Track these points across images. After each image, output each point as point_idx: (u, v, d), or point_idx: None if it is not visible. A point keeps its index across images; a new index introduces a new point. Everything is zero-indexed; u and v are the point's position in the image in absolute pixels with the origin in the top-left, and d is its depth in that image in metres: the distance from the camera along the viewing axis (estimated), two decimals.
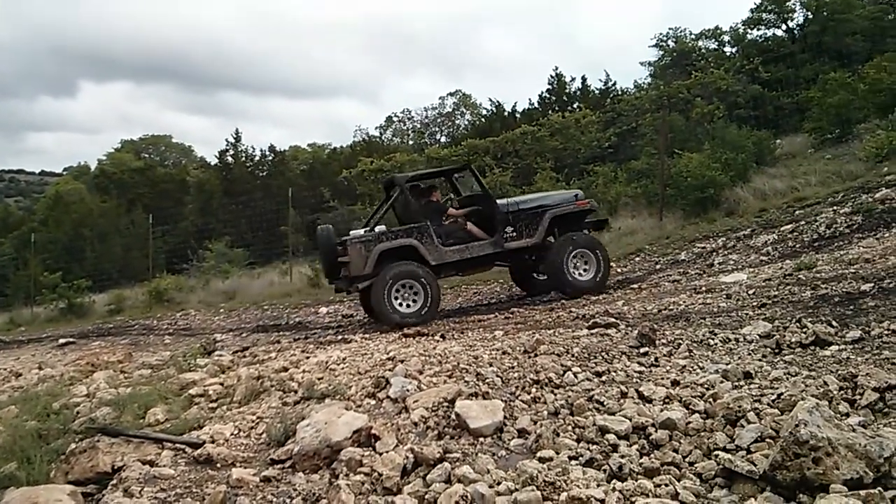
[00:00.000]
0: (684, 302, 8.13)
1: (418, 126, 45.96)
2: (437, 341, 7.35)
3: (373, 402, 5.27)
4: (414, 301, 9.50)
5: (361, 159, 26.09)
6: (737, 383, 4.76)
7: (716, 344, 5.81)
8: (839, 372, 4.43)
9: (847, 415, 3.97)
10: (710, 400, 4.43)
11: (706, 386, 4.72)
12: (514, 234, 10.15)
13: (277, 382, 6.23)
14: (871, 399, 4.02)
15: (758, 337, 5.73)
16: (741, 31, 30.04)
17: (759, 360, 5.17)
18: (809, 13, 28.15)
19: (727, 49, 30.88)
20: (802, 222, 10.87)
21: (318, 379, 6.03)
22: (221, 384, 6.76)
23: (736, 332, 6.04)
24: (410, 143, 42.24)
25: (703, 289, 8.67)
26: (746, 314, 6.72)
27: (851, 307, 6.06)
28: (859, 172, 13.21)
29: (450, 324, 9.27)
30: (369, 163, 24.78)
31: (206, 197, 34.11)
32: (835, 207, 10.97)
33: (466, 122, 43.09)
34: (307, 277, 17.73)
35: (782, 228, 10.98)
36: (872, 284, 6.59)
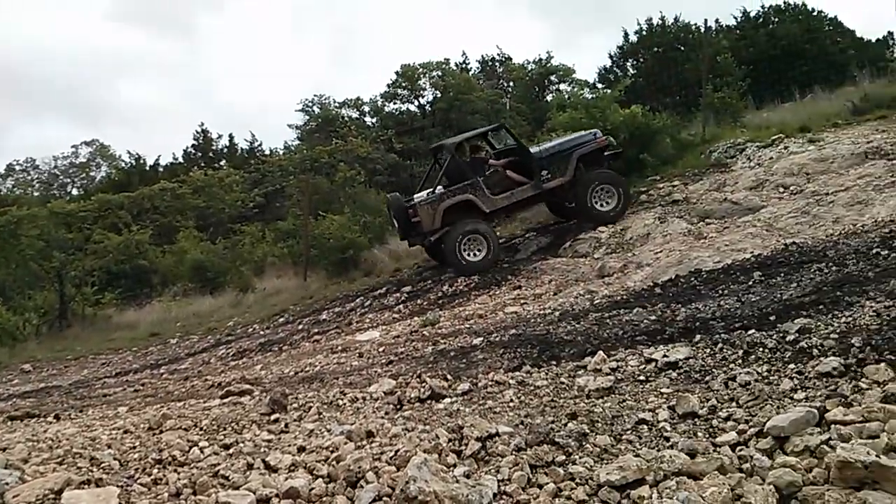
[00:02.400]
0: (321, 362, 8.23)
1: (45, 176, 41.20)
2: (50, 423, 6.41)
3: None
4: (479, 251, 11.44)
5: None
6: (360, 443, 4.81)
7: (345, 404, 5.90)
8: (449, 424, 4.73)
9: (454, 465, 4.24)
10: (334, 463, 4.41)
11: (331, 449, 4.70)
12: (549, 175, 11.90)
13: None
14: (475, 448, 4.34)
15: (383, 394, 5.93)
16: (380, 103, 32.38)
17: (382, 417, 5.34)
18: (438, 92, 31.41)
19: (368, 119, 32.96)
20: (430, 282, 11.79)
21: None
22: None
23: (364, 390, 6.20)
24: (36, 194, 37.63)
25: (340, 348, 8.88)
26: (375, 372, 6.98)
27: (464, 360, 6.61)
28: None
29: (70, 400, 8.22)
30: None
31: None
32: None
33: (104, 174, 39.77)
34: None
35: (411, 287, 11.78)
36: (482, 338, 7.30)
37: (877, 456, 3.22)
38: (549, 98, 31.11)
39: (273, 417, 5.63)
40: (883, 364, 4.31)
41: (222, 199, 23.26)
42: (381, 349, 8.05)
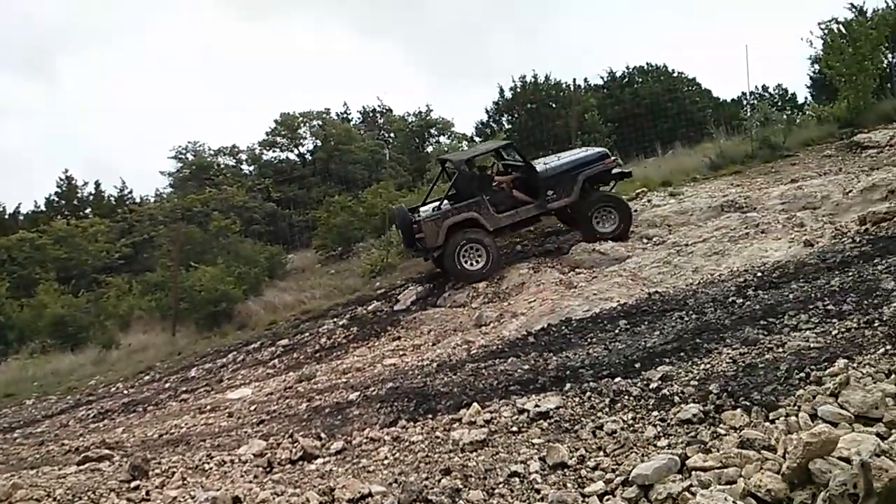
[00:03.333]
0: (187, 423, 7.83)
1: None
2: None
3: None
4: (479, 260, 11.58)
5: None
6: None
7: (211, 468, 5.61)
8: (320, 486, 4.57)
9: None
10: None
11: None
12: (554, 195, 11.87)
13: None
14: None
15: (252, 456, 5.68)
16: (257, 151, 31.84)
17: (251, 481, 5.11)
18: (318, 141, 31.29)
19: (245, 167, 32.29)
20: (307, 334, 11.53)
21: None
22: None
23: (233, 452, 5.93)
24: None
25: (209, 407, 8.49)
26: (246, 432, 6.69)
27: (339, 417, 6.45)
28: (357, 286, 14.66)
29: None
30: None
31: None
32: (335, 319, 11.90)
33: None
34: None
35: (288, 341, 11.48)
36: (359, 393, 7.17)
37: (734, 502, 3.35)
38: (429, 150, 31.65)
39: (133, 485, 5.28)
40: (739, 410, 4.53)
41: (86, 250, 22.01)
42: (252, 408, 7.74)
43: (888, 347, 4.90)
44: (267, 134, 31.39)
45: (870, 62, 14.94)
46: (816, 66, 21.21)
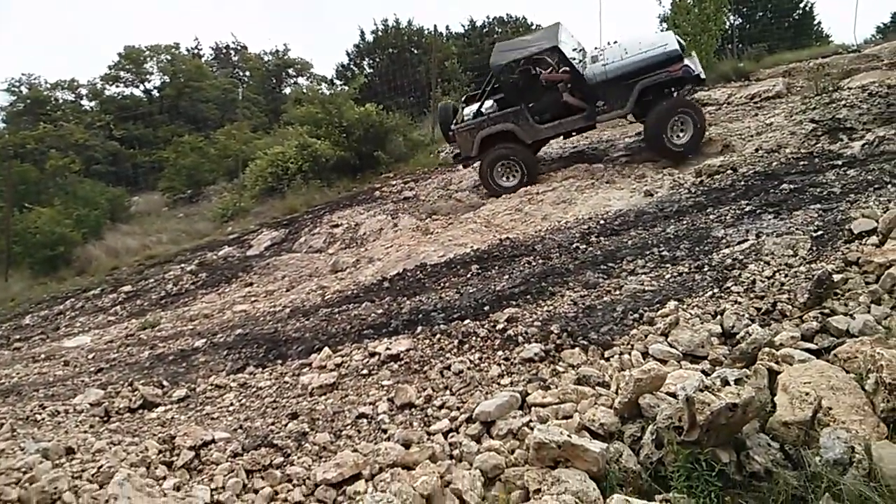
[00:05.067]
0: (19, 373, 7.30)
1: None
2: None
3: None
4: (514, 175, 10.88)
5: None
6: (58, 461, 4.32)
7: (44, 419, 5.26)
8: (160, 435, 4.40)
9: (164, 478, 3.95)
10: (27, 485, 3.90)
11: (24, 470, 4.15)
12: (605, 106, 10.48)
13: None
14: (188, 458, 4.08)
15: (88, 406, 5.38)
16: (99, 86, 29.62)
17: (86, 431, 4.84)
18: (166, 77, 29.46)
19: (85, 103, 29.99)
20: (152, 280, 10.98)
21: None
22: None
23: (68, 402, 5.57)
24: None
25: (43, 356, 7.94)
26: (82, 381, 6.32)
27: (184, 364, 6.22)
28: (207, 231, 14.09)
29: None
30: None
31: None
32: (183, 265, 11.39)
33: None
34: None
35: (131, 287, 10.89)
36: (206, 340, 6.92)
37: (568, 435, 3.53)
38: (286, 91, 30.62)
39: None
40: (577, 349, 4.77)
41: None
42: (90, 356, 7.31)
43: (715, 291, 5.28)
44: (110, 68, 29.25)
45: (713, 23, 15.77)
46: (664, 26, 22.23)
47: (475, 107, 11.23)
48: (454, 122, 11.36)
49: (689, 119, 10.19)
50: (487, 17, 32.00)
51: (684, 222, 7.31)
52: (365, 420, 4.32)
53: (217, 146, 19.35)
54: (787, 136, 9.68)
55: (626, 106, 10.42)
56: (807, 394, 3.53)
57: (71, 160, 19.96)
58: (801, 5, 28.61)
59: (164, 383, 5.64)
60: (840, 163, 7.93)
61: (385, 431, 4.15)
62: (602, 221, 8.16)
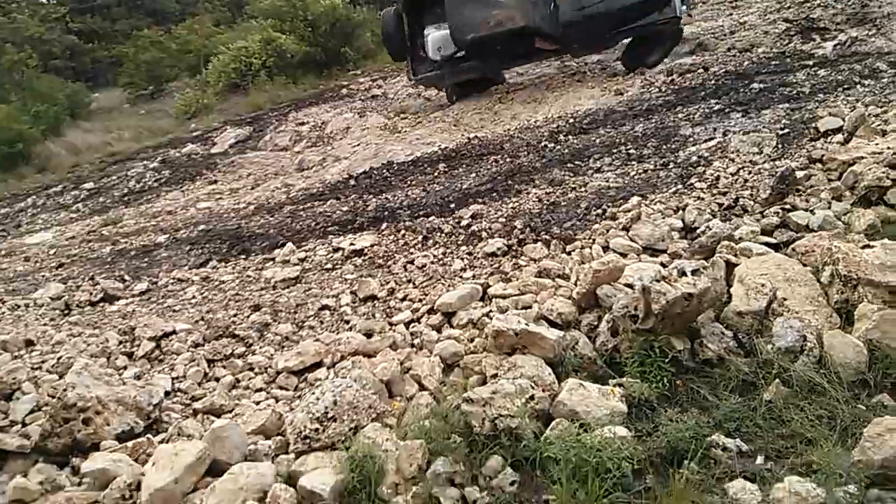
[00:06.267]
0: None
1: None
2: None
3: None
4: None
5: None
6: (17, 353, 4.31)
7: (3, 313, 5.22)
8: (120, 326, 4.38)
9: (125, 368, 3.96)
10: None
11: None
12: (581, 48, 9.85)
13: None
14: (148, 349, 4.09)
15: (49, 300, 5.33)
16: None
17: (46, 324, 4.81)
18: None
19: None
20: (114, 177, 10.74)
21: None
22: None
23: (28, 297, 5.53)
24: None
25: (3, 252, 7.81)
26: (43, 276, 6.25)
27: (146, 259, 6.16)
28: (170, 128, 13.74)
29: None
30: None
31: None
32: (146, 162, 11.14)
33: None
34: None
35: (93, 184, 10.66)
36: (168, 236, 6.84)
37: (526, 324, 3.56)
38: None
39: None
40: (539, 243, 4.78)
41: None
42: (52, 252, 7.20)
43: (679, 187, 5.29)
44: None
45: None
46: None
47: (438, 33, 9.91)
48: (404, 38, 10.20)
49: (669, 42, 9.70)
50: None
51: (653, 121, 7.26)
52: (327, 312, 4.34)
53: (178, 41, 18.63)
54: (761, 35, 9.54)
55: (608, 48, 10.02)
56: (762, 285, 3.58)
57: (27, 55, 19.14)
58: None
59: (126, 277, 5.59)
60: (811, 63, 7.85)
61: (347, 322, 4.17)
62: (571, 120, 8.08)
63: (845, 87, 6.77)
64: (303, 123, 11.37)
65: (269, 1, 15.06)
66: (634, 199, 5.07)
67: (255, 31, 15.63)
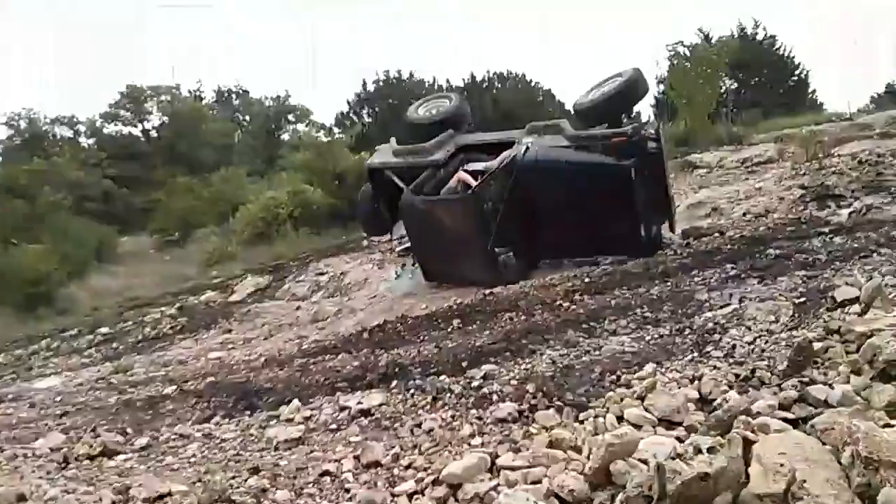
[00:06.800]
0: None
1: None
2: None
3: None
4: None
5: None
6: None
7: (1, 462, 5.09)
8: (116, 485, 4.23)
9: None
10: None
11: None
12: None
13: None
14: None
15: (48, 451, 5.20)
16: (98, 123, 29.83)
17: (41, 477, 4.66)
18: (165, 118, 29.71)
19: (83, 140, 30.16)
20: (130, 322, 10.83)
21: None
22: None
23: (28, 446, 5.40)
24: None
25: (11, 396, 7.76)
26: (46, 425, 6.14)
27: (151, 412, 6.05)
28: (192, 275, 14.00)
29: None
30: None
31: None
32: (163, 308, 11.27)
33: None
34: None
35: (109, 329, 10.74)
36: (176, 387, 6.77)
37: (535, 502, 3.38)
38: (285, 137, 30.84)
39: None
40: (552, 410, 4.63)
41: None
42: (58, 399, 7.14)
43: (695, 355, 5.19)
44: (110, 106, 29.45)
45: (708, 86, 16.04)
46: (661, 87, 22.57)
47: None
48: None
49: None
50: (488, 72, 32.50)
51: (669, 284, 7.25)
52: (328, 478, 4.16)
53: (211, 189, 19.37)
54: (776, 201, 9.72)
55: None
56: (781, 465, 3.40)
57: (64, 197, 19.96)
58: (797, 73, 29.22)
59: (128, 430, 5.47)
60: (827, 230, 7.93)
61: (348, 491, 3.98)
62: (587, 279, 8.10)
63: (862, 255, 6.78)
64: (322, 273, 11.54)
65: (302, 154, 15.77)
66: (650, 367, 4.96)
67: (284, 182, 16.25)
